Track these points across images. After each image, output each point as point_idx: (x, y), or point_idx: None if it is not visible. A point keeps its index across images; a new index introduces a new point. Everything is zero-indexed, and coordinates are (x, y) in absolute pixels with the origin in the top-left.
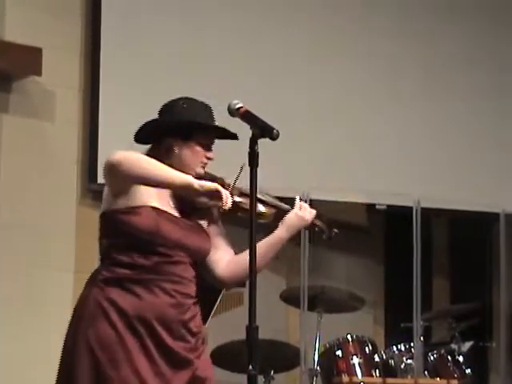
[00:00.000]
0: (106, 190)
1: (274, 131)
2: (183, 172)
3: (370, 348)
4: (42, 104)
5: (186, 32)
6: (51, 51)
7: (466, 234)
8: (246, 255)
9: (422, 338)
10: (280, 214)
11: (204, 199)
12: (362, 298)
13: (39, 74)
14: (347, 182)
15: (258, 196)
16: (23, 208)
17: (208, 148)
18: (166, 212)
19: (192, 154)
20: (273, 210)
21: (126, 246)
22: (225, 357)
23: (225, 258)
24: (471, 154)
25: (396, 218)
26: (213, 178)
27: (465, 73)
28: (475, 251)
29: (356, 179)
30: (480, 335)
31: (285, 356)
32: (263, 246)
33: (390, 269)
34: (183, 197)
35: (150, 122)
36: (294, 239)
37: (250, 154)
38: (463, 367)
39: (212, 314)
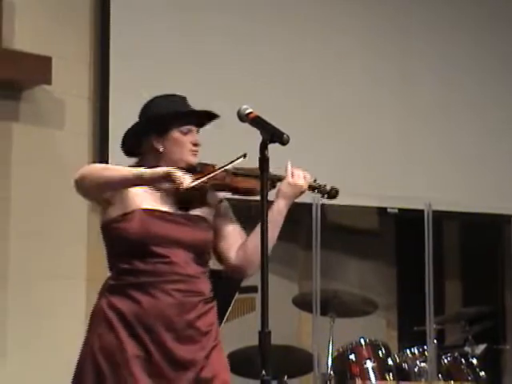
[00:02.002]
0: None
1: (284, 136)
2: (176, 166)
3: (384, 352)
4: (52, 113)
5: (197, 39)
6: (61, 60)
7: (477, 236)
8: (251, 239)
9: (435, 341)
10: (275, 184)
11: (162, 185)
12: (375, 301)
13: (49, 82)
14: (358, 186)
15: (244, 172)
16: (34, 216)
17: (189, 133)
18: (157, 211)
19: (176, 145)
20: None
21: (126, 253)
22: (238, 363)
23: (234, 246)
24: (482, 157)
25: (407, 222)
26: (203, 167)
27: (474, 76)
28: (487, 253)
29: (367, 183)
30: (493, 338)
31: (298, 361)
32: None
33: (403, 272)
34: (175, 191)
35: (126, 133)
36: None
37: (260, 159)
38: (477, 370)
39: (225, 318)
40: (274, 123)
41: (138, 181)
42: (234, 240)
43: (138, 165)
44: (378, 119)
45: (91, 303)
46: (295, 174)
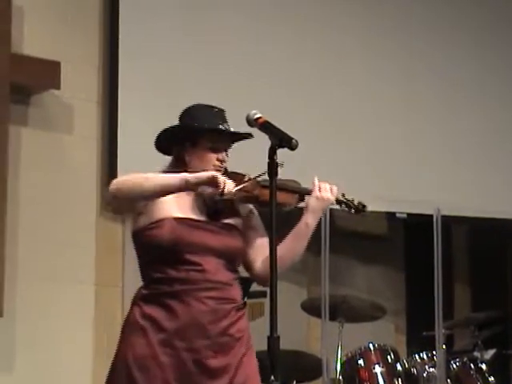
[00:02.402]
0: None
1: (293, 141)
2: None
3: (392, 357)
4: (61, 117)
5: (206, 42)
6: (69, 64)
7: (486, 241)
8: (279, 251)
9: (444, 346)
10: (303, 197)
11: (205, 189)
12: (384, 306)
13: (58, 87)
14: (367, 190)
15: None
16: (43, 221)
17: (218, 151)
18: (188, 219)
19: (201, 159)
20: (294, 196)
21: (158, 262)
22: None
23: (261, 256)
24: (491, 161)
25: (416, 226)
26: (234, 176)
27: (482, 81)
28: (496, 258)
29: (375, 188)
30: (503, 343)
31: (307, 366)
32: (290, 236)
33: (411, 277)
34: (205, 199)
35: (161, 132)
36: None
37: (269, 163)
38: (486, 375)
39: None
40: (280, 127)
41: (184, 186)
42: (262, 250)
43: (168, 171)
44: (385, 123)
45: (99, 308)
46: (322, 188)
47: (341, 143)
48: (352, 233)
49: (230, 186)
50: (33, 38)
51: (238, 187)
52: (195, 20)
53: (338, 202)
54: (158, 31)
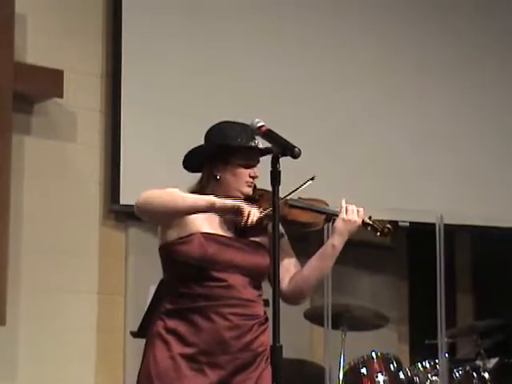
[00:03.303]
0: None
1: (296, 149)
2: (230, 194)
3: (395, 365)
4: (64, 126)
5: (209, 53)
6: (73, 73)
7: (489, 249)
8: (305, 270)
9: (446, 355)
10: (330, 218)
11: (229, 216)
12: (386, 315)
13: (61, 96)
14: (370, 199)
15: (302, 205)
16: (46, 229)
17: (250, 167)
18: (216, 235)
19: (234, 176)
20: (321, 216)
21: (183, 277)
22: None
23: (287, 275)
24: (494, 170)
25: (419, 235)
26: (263, 195)
27: (488, 89)
28: (499, 267)
29: (378, 196)
30: (505, 351)
31: (310, 375)
32: (316, 257)
33: (414, 286)
34: (243, 225)
35: (189, 152)
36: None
37: (272, 172)
38: None
39: None
40: (285, 135)
41: (209, 209)
42: (289, 272)
43: (196, 189)
44: (389, 132)
45: (102, 317)
46: (349, 210)
47: (343, 152)
48: (355, 241)
49: (253, 216)
50: (36, 47)
51: (262, 215)
52: (199, 30)
53: (365, 224)
54: (161, 40)
